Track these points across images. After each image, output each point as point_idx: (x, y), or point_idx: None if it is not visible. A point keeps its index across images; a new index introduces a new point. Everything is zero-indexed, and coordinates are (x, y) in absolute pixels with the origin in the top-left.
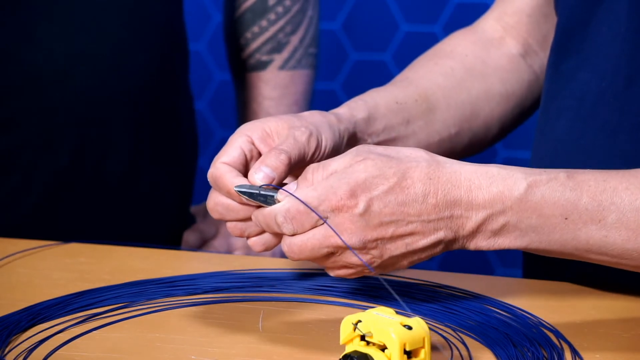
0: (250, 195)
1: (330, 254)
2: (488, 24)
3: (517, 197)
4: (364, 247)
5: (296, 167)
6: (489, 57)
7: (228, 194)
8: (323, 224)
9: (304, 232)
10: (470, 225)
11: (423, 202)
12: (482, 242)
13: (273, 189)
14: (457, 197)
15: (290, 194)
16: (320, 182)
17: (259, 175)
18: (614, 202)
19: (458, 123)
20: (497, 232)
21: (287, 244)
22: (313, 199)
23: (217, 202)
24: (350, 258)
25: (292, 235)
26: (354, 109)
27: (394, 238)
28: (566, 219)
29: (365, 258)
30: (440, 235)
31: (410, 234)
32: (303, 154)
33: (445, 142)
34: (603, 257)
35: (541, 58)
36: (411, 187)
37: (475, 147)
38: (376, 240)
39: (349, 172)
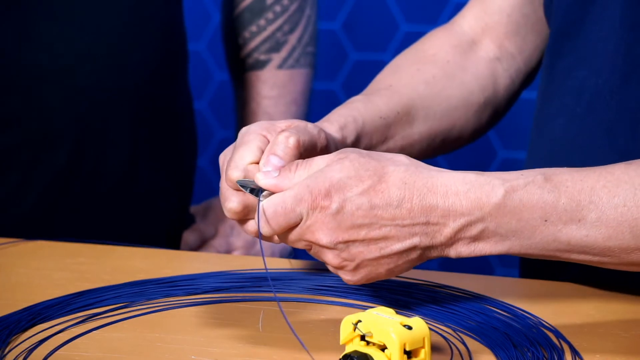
0: (251, 190)
1: (310, 247)
2: (467, 23)
3: (495, 203)
4: (334, 248)
5: (308, 155)
6: (469, 63)
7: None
8: (300, 223)
9: (280, 233)
10: (447, 232)
11: (397, 206)
12: (462, 249)
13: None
14: (433, 203)
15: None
16: (299, 182)
17: (262, 176)
18: (592, 201)
19: (433, 135)
20: (476, 238)
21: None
22: (290, 198)
23: (245, 205)
24: (326, 257)
25: (271, 235)
26: (344, 130)
27: (366, 241)
28: (546, 220)
29: (337, 261)
30: (415, 240)
31: (384, 238)
32: (314, 142)
33: (417, 152)
34: (585, 256)
35: (518, 62)
36: (386, 191)
37: (444, 151)
38: (347, 242)
39: (326, 171)
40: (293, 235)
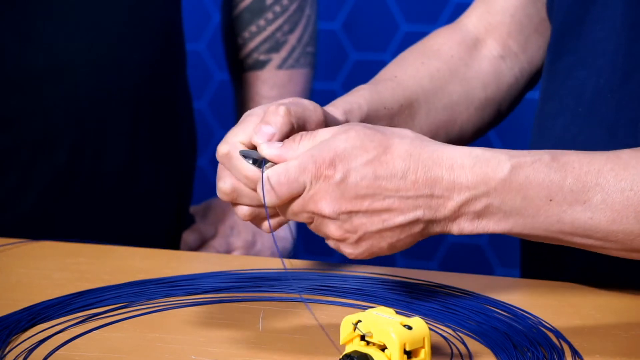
0: (254, 161)
1: (312, 220)
2: (471, 23)
3: (501, 178)
4: (337, 219)
5: (302, 128)
6: (472, 60)
7: (246, 179)
8: (303, 193)
9: (283, 203)
10: (451, 205)
11: (402, 177)
12: (465, 224)
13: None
14: (438, 176)
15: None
16: (304, 152)
17: (265, 146)
18: (598, 183)
19: (435, 129)
20: (480, 214)
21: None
22: (294, 167)
23: (234, 187)
24: (328, 228)
25: (274, 206)
26: (349, 114)
27: (369, 212)
28: (551, 200)
29: (339, 233)
30: (418, 213)
31: (387, 209)
32: (308, 115)
33: None
34: (588, 240)
35: (521, 61)
36: (390, 162)
37: None
38: (350, 212)
39: (330, 141)
40: (295, 206)
